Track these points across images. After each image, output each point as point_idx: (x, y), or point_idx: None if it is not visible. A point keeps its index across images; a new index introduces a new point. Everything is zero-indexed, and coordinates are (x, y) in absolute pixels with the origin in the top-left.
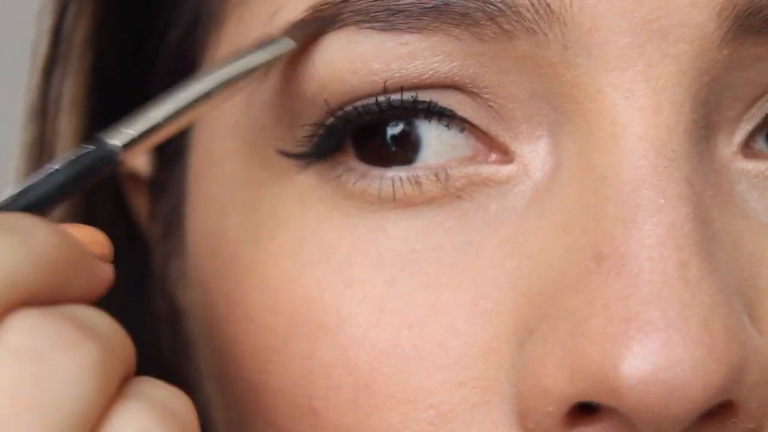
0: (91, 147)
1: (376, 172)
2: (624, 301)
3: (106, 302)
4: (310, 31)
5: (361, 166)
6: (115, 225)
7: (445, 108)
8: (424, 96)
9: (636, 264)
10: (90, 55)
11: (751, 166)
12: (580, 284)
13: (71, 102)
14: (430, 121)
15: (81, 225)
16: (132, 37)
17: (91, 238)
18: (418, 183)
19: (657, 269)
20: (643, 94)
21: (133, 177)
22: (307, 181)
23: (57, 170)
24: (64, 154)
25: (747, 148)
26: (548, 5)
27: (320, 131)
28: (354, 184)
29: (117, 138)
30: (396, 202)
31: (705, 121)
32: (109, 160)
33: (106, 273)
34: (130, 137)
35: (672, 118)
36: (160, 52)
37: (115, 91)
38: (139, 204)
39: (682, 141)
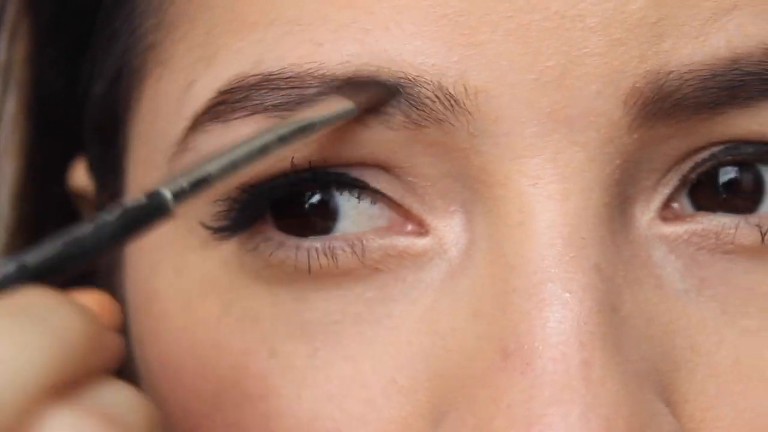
0: (143, 199)
1: (293, 242)
2: (527, 403)
3: None
4: (374, 99)
5: (278, 236)
6: None
7: (357, 179)
8: (336, 168)
9: (539, 364)
10: (30, 78)
11: (670, 230)
12: (486, 378)
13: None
14: (342, 192)
15: (92, 291)
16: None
17: (101, 307)
18: (333, 255)
19: (559, 370)
20: (551, 181)
21: (81, 194)
22: (230, 250)
23: (108, 221)
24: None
25: (666, 211)
26: (453, 96)
27: (236, 206)
28: (271, 255)
29: (170, 187)
30: (312, 274)
31: (620, 199)
32: (161, 211)
33: (119, 344)
34: (181, 188)
35: (581, 204)
36: (87, 102)
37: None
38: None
39: (591, 226)
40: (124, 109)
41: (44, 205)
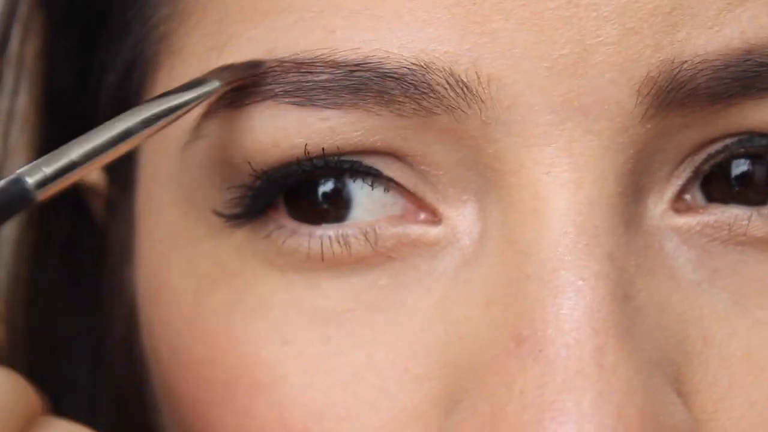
0: (4, 185)
1: (306, 229)
2: (540, 389)
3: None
4: (237, 74)
5: (291, 224)
6: (75, 238)
7: (370, 167)
8: (349, 156)
9: (553, 350)
10: (42, 72)
11: (682, 221)
12: (499, 365)
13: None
14: (355, 180)
15: None
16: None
17: None
18: (346, 243)
19: (572, 356)
20: (565, 170)
21: (91, 189)
22: (242, 238)
23: None
24: None
25: (678, 202)
26: (465, 84)
27: (249, 193)
28: (284, 242)
29: (33, 176)
30: (325, 262)
31: (633, 189)
32: (23, 198)
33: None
34: (44, 176)
35: (594, 192)
36: (101, 92)
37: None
38: (99, 212)
39: (605, 215)
40: (137, 100)
41: (54, 199)
